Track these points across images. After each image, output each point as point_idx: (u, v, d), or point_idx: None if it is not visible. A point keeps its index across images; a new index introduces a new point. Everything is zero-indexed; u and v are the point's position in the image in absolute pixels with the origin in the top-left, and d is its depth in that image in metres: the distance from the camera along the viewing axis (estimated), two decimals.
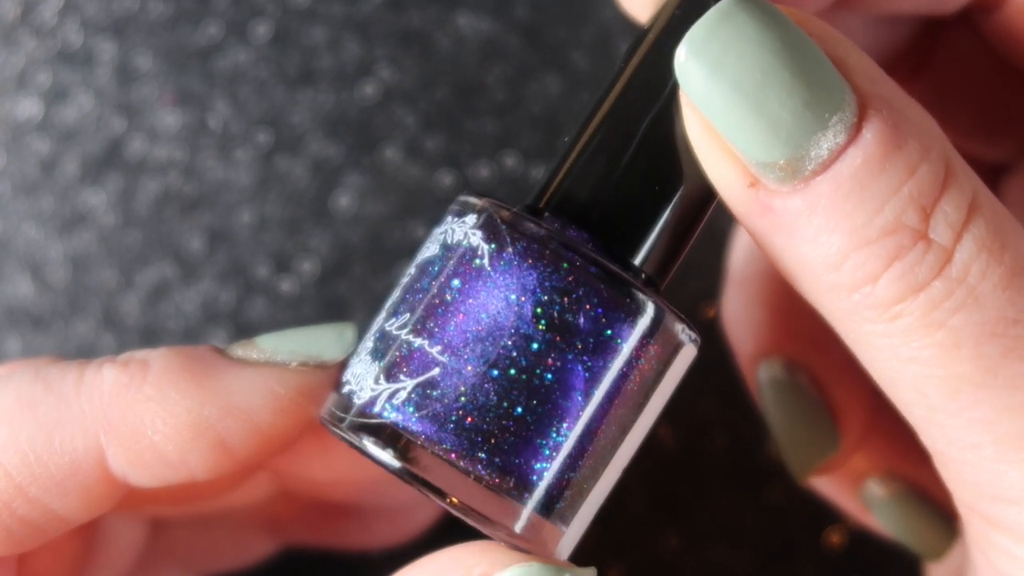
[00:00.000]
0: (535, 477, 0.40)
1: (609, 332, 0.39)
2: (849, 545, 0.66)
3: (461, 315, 0.40)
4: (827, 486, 0.58)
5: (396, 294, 0.42)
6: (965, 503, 0.42)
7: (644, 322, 0.40)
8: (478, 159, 0.67)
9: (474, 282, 0.40)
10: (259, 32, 0.67)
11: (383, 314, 0.42)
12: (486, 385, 0.39)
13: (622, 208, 0.41)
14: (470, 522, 0.41)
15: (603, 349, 0.39)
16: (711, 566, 0.66)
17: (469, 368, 0.39)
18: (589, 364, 0.39)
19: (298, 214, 0.67)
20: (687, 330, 0.41)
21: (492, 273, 0.39)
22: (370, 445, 0.40)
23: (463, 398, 0.39)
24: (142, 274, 0.67)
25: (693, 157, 0.41)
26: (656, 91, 0.41)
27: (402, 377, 0.40)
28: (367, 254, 0.67)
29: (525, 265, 0.39)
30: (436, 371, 0.40)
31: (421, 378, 0.40)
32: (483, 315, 0.39)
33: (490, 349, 0.39)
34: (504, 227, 0.40)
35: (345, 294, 0.67)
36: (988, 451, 0.39)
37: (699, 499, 0.66)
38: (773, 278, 0.55)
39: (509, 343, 0.39)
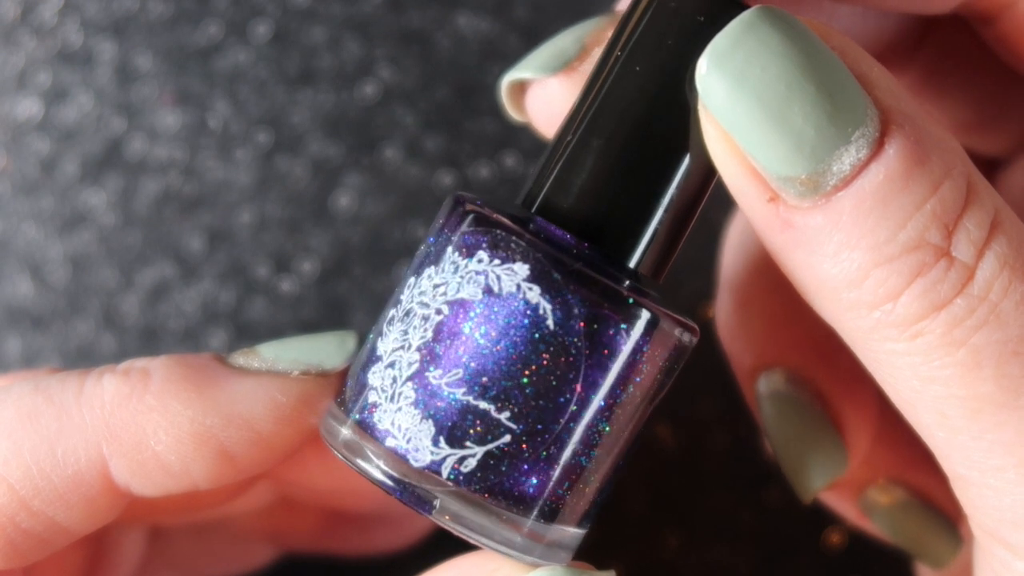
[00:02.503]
0: (540, 489, 0.40)
1: (618, 346, 0.39)
2: (849, 545, 0.66)
3: (524, 376, 0.39)
4: (825, 492, 0.57)
5: (427, 332, 0.40)
6: (985, 528, 0.41)
7: (643, 330, 0.40)
8: (478, 159, 0.67)
9: (535, 342, 0.39)
10: (259, 32, 0.67)
11: (415, 354, 0.40)
12: (546, 442, 0.39)
13: (614, 209, 0.41)
14: (473, 540, 0.41)
15: (612, 364, 0.39)
16: (711, 566, 0.66)
17: (534, 429, 0.39)
18: (604, 380, 0.39)
19: (298, 214, 0.67)
20: (684, 329, 0.41)
21: (555, 332, 0.39)
22: (409, 496, 0.40)
23: (528, 456, 0.39)
24: (142, 274, 0.67)
25: (682, 150, 0.40)
26: (646, 83, 0.41)
27: (469, 443, 0.39)
28: (367, 254, 0.67)
29: (587, 317, 0.39)
30: (507, 438, 0.39)
31: (491, 445, 0.39)
32: (546, 374, 0.39)
33: (553, 410, 0.39)
34: (560, 279, 0.39)
35: (345, 294, 0.67)
36: (1010, 474, 0.38)
37: (699, 499, 0.66)
38: (770, 282, 0.53)
39: (567, 399, 0.39)
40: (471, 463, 0.39)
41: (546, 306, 0.39)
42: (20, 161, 0.67)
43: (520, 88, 0.47)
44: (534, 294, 0.39)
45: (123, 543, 0.53)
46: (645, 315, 0.39)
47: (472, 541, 0.40)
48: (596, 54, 0.44)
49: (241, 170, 0.67)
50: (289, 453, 0.45)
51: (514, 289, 0.39)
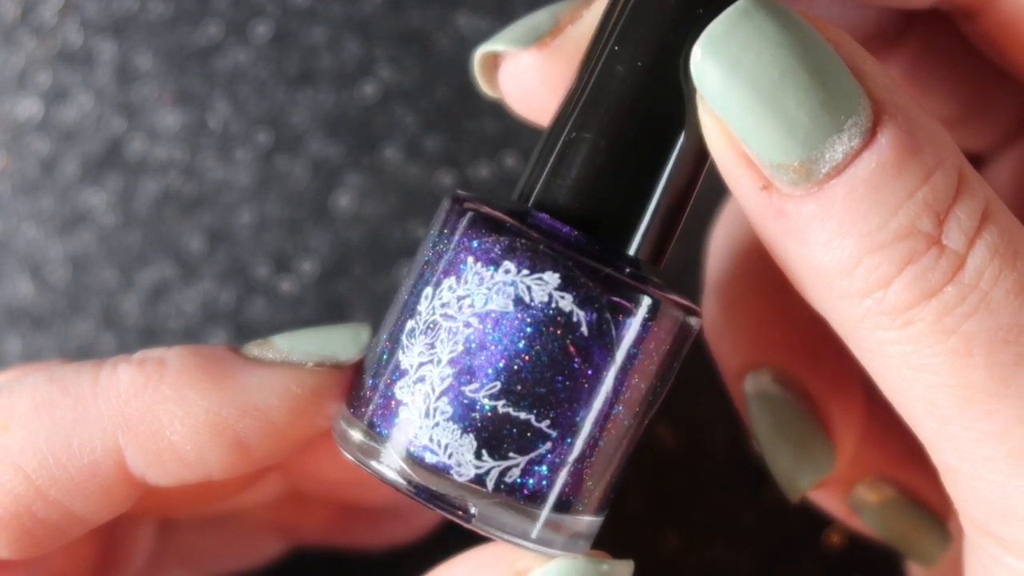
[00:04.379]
0: (566, 484, 0.40)
1: (623, 334, 0.39)
2: (849, 545, 0.66)
3: (559, 382, 0.39)
4: (814, 491, 0.56)
5: (457, 345, 0.40)
6: (975, 523, 0.41)
7: (646, 315, 0.40)
8: (478, 159, 0.67)
9: (569, 347, 0.39)
10: (259, 32, 0.67)
11: (447, 368, 0.40)
12: (585, 439, 0.40)
13: (610, 198, 0.41)
14: (492, 534, 0.41)
15: (618, 352, 0.39)
16: (711, 566, 0.66)
17: (572, 431, 0.39)
18: (614, 369, 0.40)
19: (298, 214, 0.67)
20: (687, 312, 0.41)
21: (590, 338, 0.39)
22: (449, 508, 0.40)
23: (568, 460, 0.40)
24: (142, 274, 0.67)
25: (675, 134, 0.41)
26: (637, 68, 0.41)
27: (512, 454, 0.39)
28: (367, 254, 0.67)
29: (618, 322, 0.39)
30: (548, 445, 0.39)
31: (533, 454, 0.39)
32: (581, 378, 0.39)
33: (588, 412, 0.39)
34: (592, 285, 0.39)
35: (345, 294, 0.66)
36: (1000, 465, 0.38)
37: (699, 499, 0.66)
38: (755, 282, 0.54)
39: (605, 396, 0.39)
40: (515, 472, 0.39)
41: (579, 313, 0.39)
42: (20, 161, 0.67)
43: (492, 61, 0.47)
44: (567, 302, 0.39)
45: (135, 535, 0.53)
46: (647, 301, 0.40)
47: (491, 536, 0.40)
48: (569, 31, 0.45)
49: (241, 170, 0.67)
50: (303, 444, 0.45)
51: (546, 299, 0.39)
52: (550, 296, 0.39)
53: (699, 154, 0.41)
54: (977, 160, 0.55)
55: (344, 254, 0.67)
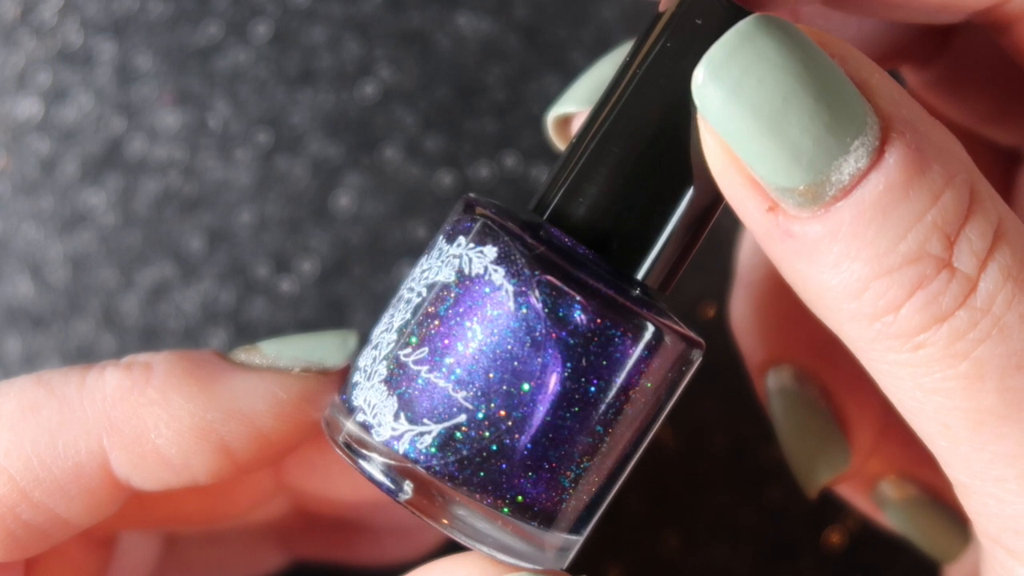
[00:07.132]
0: (513, 483, 0.40)
1: (618, 356, 0.39)
2: (849, 545, 0.66)
3: (485, 358, 0.39)
4: (841, 486, 0.57)
5: (407, 314, 0.41)
6: (988, 534, 0.41)
7: (646, 342, 0.39)
8: (478, 159, 0.67)
9: (497, 324, 0.39)
10: (259, 32, 0.67)
11: (394, 334, 0.41)
12: (510, 429, 0.39)
13: (625, 221, 0.41)
14: (466, 544, 0.41)
15: (610, 373, 0.39)
16: (711, 566, 0.66)
17: (495, 414, 0.39)
18: (598, 387, 0.39)
19: (298, 214, 0.67)
20: (690, 343, 0.41)
21: (517, 315, 0.39)
22: (381, 477, 0.40)
23: (487, 442, 0.39)
24: (142, 274, 0.67)
25: (696, 165, 0.40)
26: (662, 99, 0.40)
27: (426, 420, 0.39)
28: (367, 254, 0.67)
29: (550, 305, 0.39)
30: (462, 417, 0.39)
31: (446, 424, 0.39)
32: (509, 359, 0.39)
33: (516, 396, 0.39)
34: (524, 262, 0.39)
35: (345, 294, 0.67)
36: (1012, 485, 0.38)
37: (699, 499, 0.66)
38: (783, 282, 0.53)
39: (534, 388, 0.39)
40: (426, 440, 0.39)
41: (509, 288, 0.39)
42: (20, 161, 0.67)
43: (565, 122, 0.48)
44: (499, 276, 0.39)
45: (134, 550, 0.53)
46: (649, 327, 0.39)
47: (457, 539, 0.40)
48: None
49: (241, 170, 0.67)
50: (288, 450, 0.45)
51: (482, 271, 0.39)
52: (485, 268, 0.39)
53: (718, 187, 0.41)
54: (1013, 155, 0.55)
55: (344, 254, 0.67)
